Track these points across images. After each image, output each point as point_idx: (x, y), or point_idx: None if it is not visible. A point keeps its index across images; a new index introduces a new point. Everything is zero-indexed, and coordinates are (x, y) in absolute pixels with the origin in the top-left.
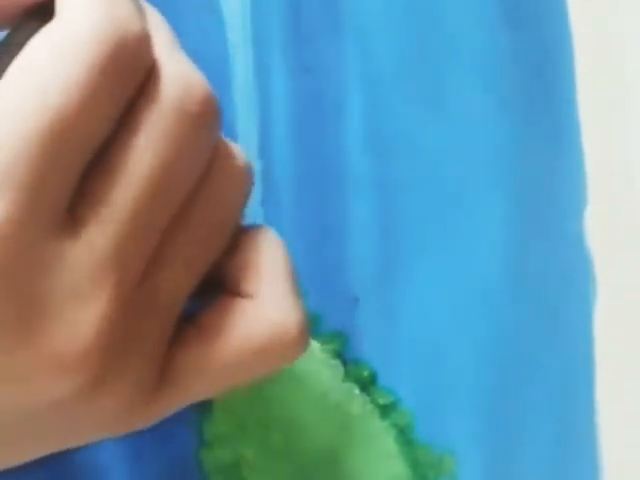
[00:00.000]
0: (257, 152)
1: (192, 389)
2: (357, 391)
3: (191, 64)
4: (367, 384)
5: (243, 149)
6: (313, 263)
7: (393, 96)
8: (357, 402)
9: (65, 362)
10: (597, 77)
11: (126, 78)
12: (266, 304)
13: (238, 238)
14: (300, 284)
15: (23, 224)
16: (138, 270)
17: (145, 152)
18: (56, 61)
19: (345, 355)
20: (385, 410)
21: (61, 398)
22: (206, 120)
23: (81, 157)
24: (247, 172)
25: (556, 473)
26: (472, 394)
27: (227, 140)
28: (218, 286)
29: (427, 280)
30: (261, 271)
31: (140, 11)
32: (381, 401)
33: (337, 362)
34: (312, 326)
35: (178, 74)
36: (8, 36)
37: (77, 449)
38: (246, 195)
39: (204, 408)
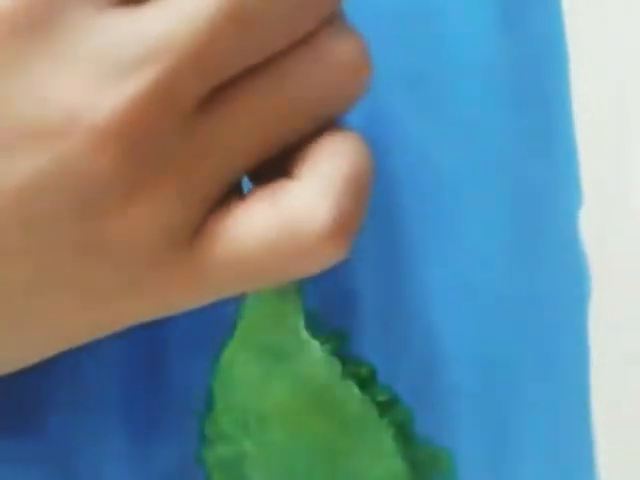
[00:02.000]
0: None
1: (219, 259)
2: (356, 389)
3: None
4: (366, 382)
5: None
6: None
7: (392, 97)
8: (356, 400)
9: (98, 132)
10: (595, 77)
11: None
12: (306, 189)
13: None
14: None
15: None
16: (200, 83)
17: None
18: None
19: (344, 353)
20: (384, 407)
21: (98, 176)
22: None
23: None
24: (366, 69)
25: (555, 472)
26: (471, 392)
27: (351, 29)
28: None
29: (426, 279)
30: (318, 160)
31: None
32: (380, 398)
33: (336, 360)
34: (312, 324)
35: None
36: None
37: (81, 445)
38: (353, 96)
39: (205, 406)
